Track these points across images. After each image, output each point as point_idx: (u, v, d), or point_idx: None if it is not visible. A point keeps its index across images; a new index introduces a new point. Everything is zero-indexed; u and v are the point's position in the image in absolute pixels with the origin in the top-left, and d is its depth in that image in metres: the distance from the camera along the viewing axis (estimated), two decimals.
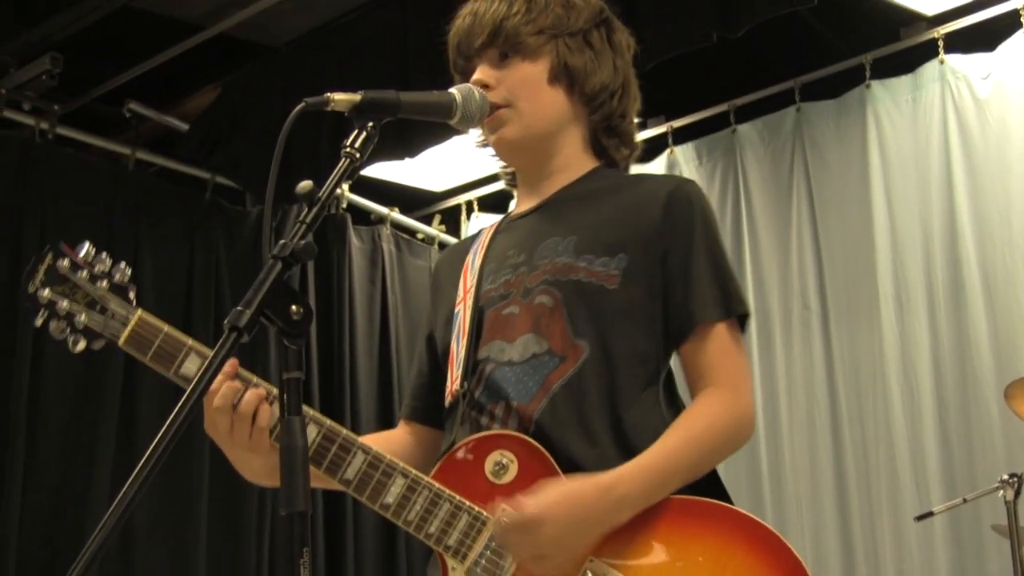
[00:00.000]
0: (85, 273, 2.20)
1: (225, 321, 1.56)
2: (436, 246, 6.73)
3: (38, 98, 5.20)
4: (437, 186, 6.68)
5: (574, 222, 2.26)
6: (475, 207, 6.71)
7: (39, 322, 2.21)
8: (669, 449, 2.08)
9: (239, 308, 1.57)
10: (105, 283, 2.20)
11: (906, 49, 5.27)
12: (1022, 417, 4.07)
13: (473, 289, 2.31)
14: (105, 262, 2.22)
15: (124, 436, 5.12)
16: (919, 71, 5.26)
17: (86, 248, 2.22)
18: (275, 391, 2.08)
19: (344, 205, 6.34)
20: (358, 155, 1.80)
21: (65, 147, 5.39)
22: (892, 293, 5.15)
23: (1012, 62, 5.00)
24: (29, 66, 4.98)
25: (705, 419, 2.13)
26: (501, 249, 2.33)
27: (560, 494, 1.99)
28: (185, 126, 5.70)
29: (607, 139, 2.37)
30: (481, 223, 6.72)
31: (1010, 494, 3.91)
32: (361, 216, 6.48)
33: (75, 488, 4.96)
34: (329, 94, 1.81)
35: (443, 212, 6.85)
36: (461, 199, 6.74)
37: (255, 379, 2.09)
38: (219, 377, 2.04)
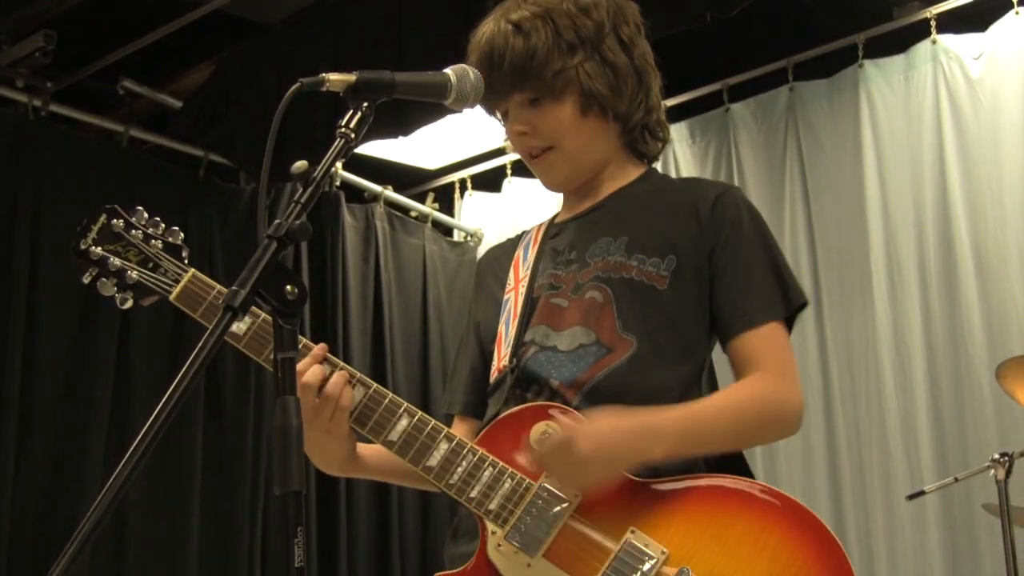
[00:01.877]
0: (140, 232, 2.26)
1: (220, 301, 1.57)
2: (430, 224, 6.73)
3: (31, 75, 5.19)
4: (431, 164, 6.67)
5: (626, 223, 2.30)
6: (469, 185, 6.72)
7: (87, 279, 2.27)
8: (710, 408, 2.13)
9: (234, 288, 1.57)
10: (159, 243, 2.26)
11: (899, 29, 5.27)
12: (1014, 396, 4.08)
13: (526, 279, 2.36)
14: (159, 225, 2.28)
15: (118, 415, 5.12)
16: (911, 51, 5.26)
17: (141, 212, 2.28)
18: (358, 374, 2.16)
19: (338, 183, 6.33)
20: (353, 135, 1.80)
21: (58, 124, 5.38)
22: (885, 272, 5.16)
23: (1004, 42, 5.01)
24: (22, 43, 4.97)
25: (748, 392, 2.16)
26: (553, 246, 2.38)
27: (598, 424, 2.04)
28: (179, 104, 5.69)
29: (643, 143, 2.41)
30: (475, 201, 6.73)
31: (1001, 473, 3.92)
32: (354, 194, 6.47)
33: (69, 468, 4.96)
34: (324, 74, 1.81)
35: (437, 190, 6.85)
36: (455, 177, 6.75)
37: (341, 364, 2.16)
38: (308, 359, 2.13)
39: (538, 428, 2.11)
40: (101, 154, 5.44)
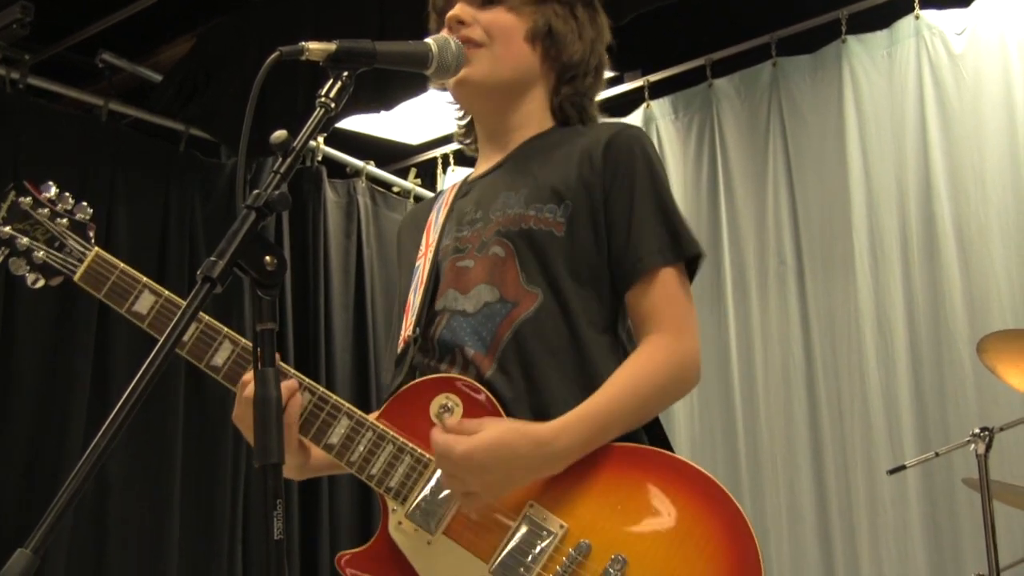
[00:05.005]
0: (47, 210, 2.25)
1: (198, 271, 1.56)
2: (412, 199, 6.71)
3: (9, 47, 5.13)
4: (413, 139, 6.65)
5: (525, 175, 2.27)
6: (451, 160, 6.70)
7: None
8: (610, 399, 2.07)
9: (212, 258, 1.56)
10: (65, 220, 2.25)
11: (882, 4, 5.25)
12: (994, 371, 4.09)
13: (434, 244, 2.33)
14: (68, 201, 2.27)
15: (97, 388, 5.09)
16: (895, 26, 5.26)
17: (51, 188, 2.27)
18: (307, 381, 2.14)
19: (319, 158, 6.31)
20: (333, 105, 1.79)
21: (36, 97, 5.33)
22: (867, 248, 5.17)
23: (987, 17, 5.01)
24: None
25: (647, 367, 2.12)
26: (461, 207, 2.35)
27: (494, 439, 2.00)
28: (159, 77, 5.65)
29: (570, 109, 2.38)
30: (457, 177, 6.70)
31: (981, 448, 3.93)
32: (337, 169, 6.46)
33: (48, 442, 4.94)
34: (304, 43, 1.80)
35: (419, 165, 6.83)
36: (437, 152, 6.72)
37: (291, 371, 2.13)
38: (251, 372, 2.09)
39: (437, 401, 2.10)
40: (80, 127, 5.40)
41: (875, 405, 5.03)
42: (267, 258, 1.61)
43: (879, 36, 5.30)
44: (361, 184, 6.46)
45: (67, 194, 2.28)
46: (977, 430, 3.98)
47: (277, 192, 1.63)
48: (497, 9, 2.28)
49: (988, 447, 3.94)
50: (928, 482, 4.85)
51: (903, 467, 4.38)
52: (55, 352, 5.06)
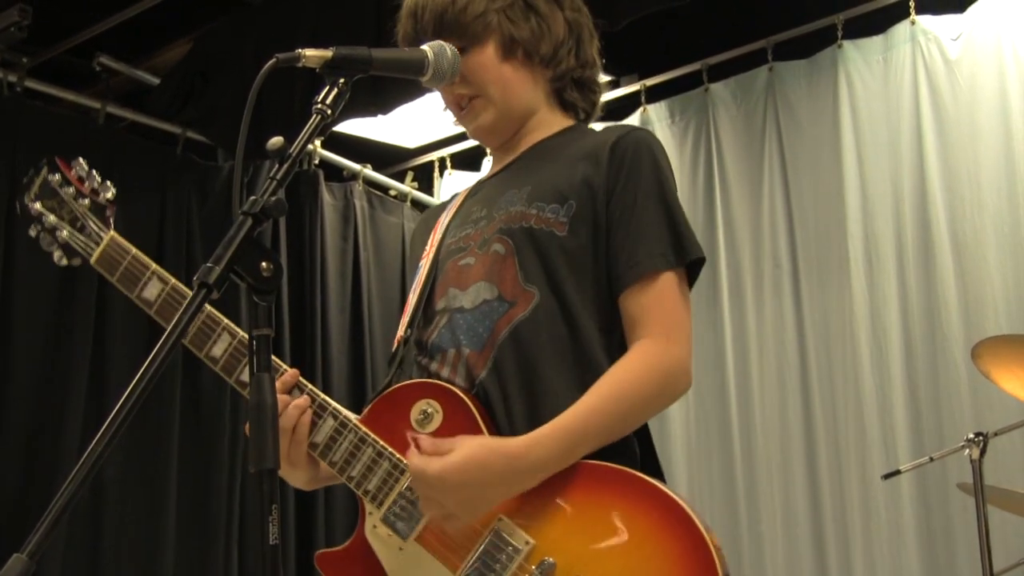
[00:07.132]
0: (72, 189, 2.30)
1: (195, 277, 1.56)
2: (409, 203, 6.71)
3: (6, 50, 5.13)
4: (410, 143, 6.65)
5: (532, 174, 2.28)
6: (448, 164, 6.70)
7: (33, 233, 2.34)
8: (589, 410, 2.04)
9: (209, 264, 1.56)
10: (87, 201, 2.29)
11: (878, 9, 5.26)
12: (989, 377, 4.09)
13: (437, 244, 2.34)
14: (95, 179, 2.32)
15: (95, 390, 5.09)
16: (890, 31, 5.27)
17: (81, 165, 2.33)
18: (321, 396, 2.16)
19: (316, 162, 6.31)
20: (329, 111, 1.80)
21: (34, 100, 5.32)
22: (862, 252, 5.17)
23: (982, 23, 5.01)
24: None
25: (631, 375, 2.08)
26: (468, 206, 2.37)
27: (466, 458, 1.98)
28: (156, 80, 5.65)
29: (571, 93, 2.39)
30: (454, 180, 6.72)
31: (976, 453, 3.93)
32: (333, 173, 6.45)
33: (45, 445, 4.94)
34: (301, 50, 1.81)
35: (416, 169, 6.83)
36: (434, 156, 6.73)
37: (308, 386, 2.16)
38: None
39: (418, 407, 2.11)
40: (77, 131, 5.39)
41: (870, 410, 5.03)
42: (263, 264, 1.62)
43: (875, 41, 5.31)
44: (358, 187, 6.46)
45: (94, 172, 2.32)
46: (972, 435, 3.98)
47: (274, 198, 1.64)
48: (469, 52, 2.27)
49: (982, 452, 3.94)
50: (922, 487, 4.86)
51: (897, 472, 4.39)
52: (52, 352, 5.06)
